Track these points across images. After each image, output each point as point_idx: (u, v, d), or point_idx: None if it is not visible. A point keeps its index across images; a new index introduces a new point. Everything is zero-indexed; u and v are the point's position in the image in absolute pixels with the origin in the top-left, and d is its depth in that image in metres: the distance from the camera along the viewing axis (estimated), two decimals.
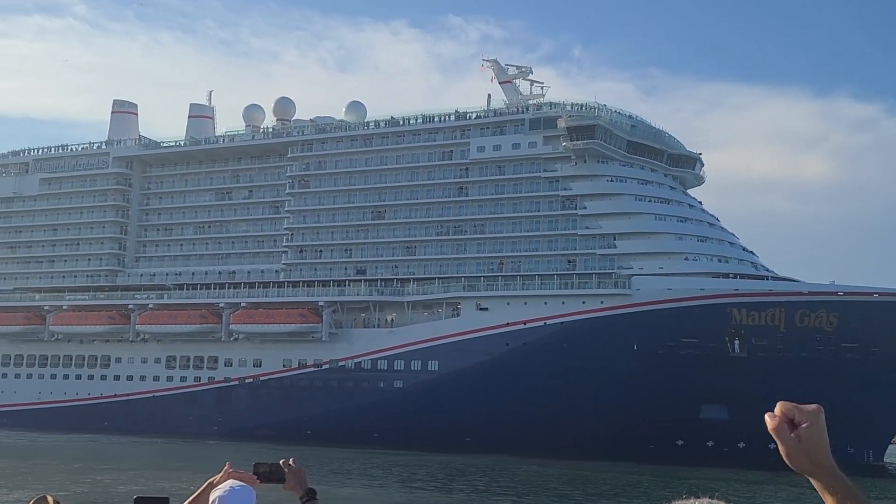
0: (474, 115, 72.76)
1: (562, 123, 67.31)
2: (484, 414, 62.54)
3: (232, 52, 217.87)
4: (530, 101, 72.55)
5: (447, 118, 73.59)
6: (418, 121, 74.65)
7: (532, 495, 41.85)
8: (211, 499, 3.92)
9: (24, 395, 79.50)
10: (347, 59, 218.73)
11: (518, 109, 70.82)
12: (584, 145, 66.22)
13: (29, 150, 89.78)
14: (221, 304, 74.52)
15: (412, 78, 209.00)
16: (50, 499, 4.54)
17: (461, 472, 50.01)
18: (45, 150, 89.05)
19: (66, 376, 79.13)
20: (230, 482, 3.99)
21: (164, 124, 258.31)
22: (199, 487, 4.09)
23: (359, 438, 63.65)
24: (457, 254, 71.12)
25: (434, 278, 70.11)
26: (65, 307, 79.88)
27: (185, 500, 4.08)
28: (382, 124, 76.27)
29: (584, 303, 63.77)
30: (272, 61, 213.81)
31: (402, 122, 75.28)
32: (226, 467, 4.11)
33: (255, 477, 4.05)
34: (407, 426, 63.87)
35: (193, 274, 79.91)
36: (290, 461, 4.13)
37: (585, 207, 67.04)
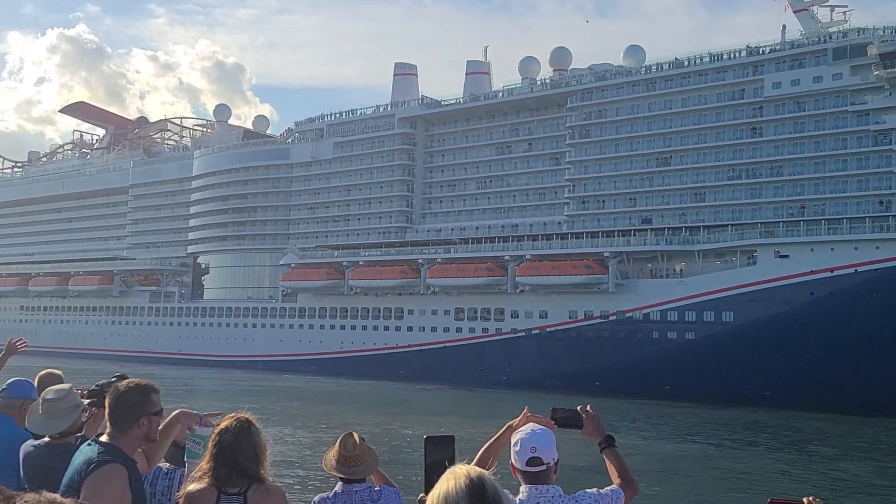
0: (768, 49, 67.51)
1: (873, 50, 60.56)
2: (785, 368, 58.48)
3: (489, 6, 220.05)
4: (830, 29, 66.11)
5: (737, 55, 68.91)
6: (704, 60, 70.56)
7: (852, 458, 38.21)
8: (512, 441, 3.88)
9: (329, 345, 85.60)
10: (605, 4, 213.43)
11: (819, 39, 64.71)
12: None
13: (322, 116, 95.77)
14: (506, 257, 75.46)
15: (676, 18, 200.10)
16: (356, 436, 4.80)
17: (762, 428, 47.13)
18: (337, 115, 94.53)
19: (364, 327, 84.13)
20: (531, 425, 3.93)
21: (438, 84, 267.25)
22: (498, 430, 4.11)
23: (649, 391, 61.96)
24: (751, 199, 66.78)
25: (726, 225, 66.35)
26: (361, 262, 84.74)
27: (485, 443, 4.10)
28: (665, 67, 72.93)
29: None
30: (530, 13, 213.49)
31: (686, 63, 71.55)
32: (524, 411, 4.08)
33: (553, 422, 4.04)
34: (700, 379, 61.19)
35: (477, 228, 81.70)
36: (588, 407, 4.18)
37: None
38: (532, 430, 3.87)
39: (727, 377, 60.07)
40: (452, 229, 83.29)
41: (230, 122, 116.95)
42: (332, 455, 4.83)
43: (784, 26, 68.80)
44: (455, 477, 2.38)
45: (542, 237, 75.77)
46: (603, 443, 4.12)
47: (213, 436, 4.04)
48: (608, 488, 4.02)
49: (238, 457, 3.95)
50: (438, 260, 79.38)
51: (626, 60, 79.13)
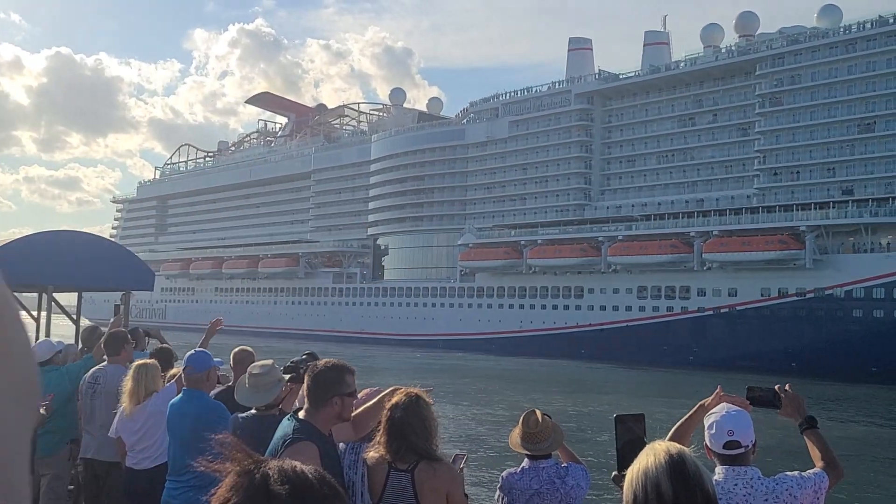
0: None
1: None
2: None
3: None
4: None
5: None
6: None
7: None
8: (706, 423, 3.76)
9: (508, 324, 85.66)
10: None
11: None
12: None
13: (497, 95, 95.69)
14: (691, 233, 72.70)
15: None
16: (538, 413, 4.86)
17: None
18: (512, 94, 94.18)
19: (543, 306, 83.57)
20: (724, 405, 3.80)
21: (613, 58, 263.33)
22: (691, 409, 3.97)
23: (852, 372, 58.03)
24: None
25: None
26: (539, 241, 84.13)
27: (676, 423, 3.97)
28: (868, 26, 67.78)
29: None
30: None
31: (891, 21, 66.13)
32: (717, 390, 3.93)
33: (748, 401, 3.90)
34: None
35: (659, 204, 79.24)
36: (787, 387, 4.02)
37: None
38: (727, 411, 3.77)
39: None
40: (633, 206, 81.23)
41: (405, 105, 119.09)
42: (516, 433, 4.90)
43: None
44: (655, 453, 2.34)
45: (729, 212, 72.47)
46: (804, 424, 3.95)
47: (385, 412, 4.11)
48: (811, 471, 3.84)
49: (408, 432, 4.02)
50: (620, 237, 77.58)
51: (821, 21, 74.19)
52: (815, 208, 66.75)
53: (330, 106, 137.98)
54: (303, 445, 3.92)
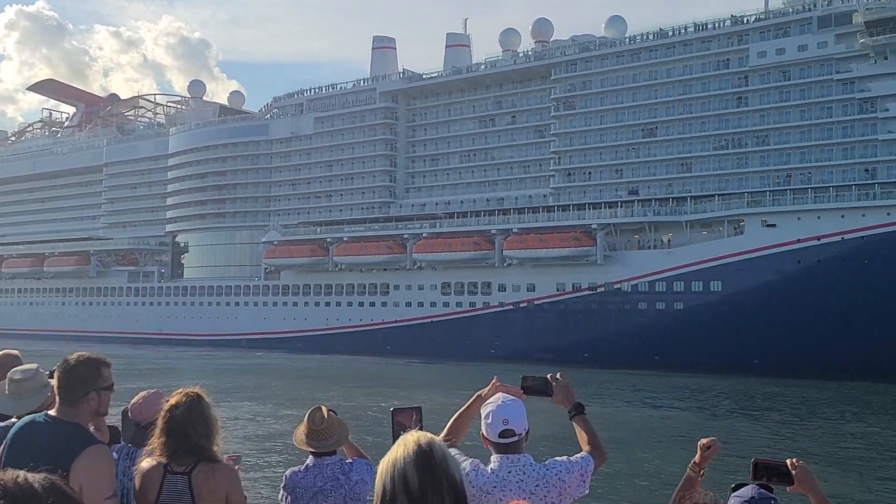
0: (752, 18, 67.59)
1: (858, 18, 60.82)
2: (774, 336, 59.14)
3: None
4: None
5: (721, 24, 68.93)
6: (689, 30, 70.51)
7: (847, 421, 38.74)
8: (483, 412, 3.90)
9: (314, 322, 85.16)
10: None
11: (804, 7, 64.86)
12: (885, 40, 59.55)
13: (302, 91, 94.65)
14: (493, 231, 75.31)
15: None
16: (324, 409, 4.79)
17: (750, 396, 47.64)
18: (317, 90, 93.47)
19: (349, 303, 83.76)
20: (500, 395, 3.93)
21: (417, 58, 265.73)
22: (468, 401, 4.08)
23: (638, 361, 62.41)
24: (737, 168, 67.15)
25: (713, 195, 66.71)
26: (345, 239, 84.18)
27: (454, 414, 4.11)
28: (650, 37, 72.83)
29: (888, 214, 58.11)
30: None
31: (671, 33, 71.45)
32: (493, 381, 4.07)
33: (522, 391, 4.04)
34: (690, 348, 61.73)
35: (462, 202, 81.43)
36: (558, 375, 4.19)
37: (888, 110, 60.61)
38: (503, 400, 3.89)
39: (716, 346, 60.59)
40: (437, 203, 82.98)
41: (204, 98, 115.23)
42: (301, 430, 4.82)
43: None
44: (405, 444, 2.38)
45: (528, 210, 75.67)
46: (572, 410, 4.14)
47: (163, 412, 3.99)
48: (578, 455, 4.05)
49: (189, 432, 3.92)
50: (425, 234, 79.07)
51: (608, 31, 78.93)
52: (605, 207, 70.98)
53: (123, 96, 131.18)
54: (97, 450, 3.75)
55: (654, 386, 52.47)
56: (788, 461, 3.51)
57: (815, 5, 64.72)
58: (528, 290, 73.33)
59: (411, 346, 75.63)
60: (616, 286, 68.70)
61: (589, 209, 71.61)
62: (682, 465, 4.07)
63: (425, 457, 2.36)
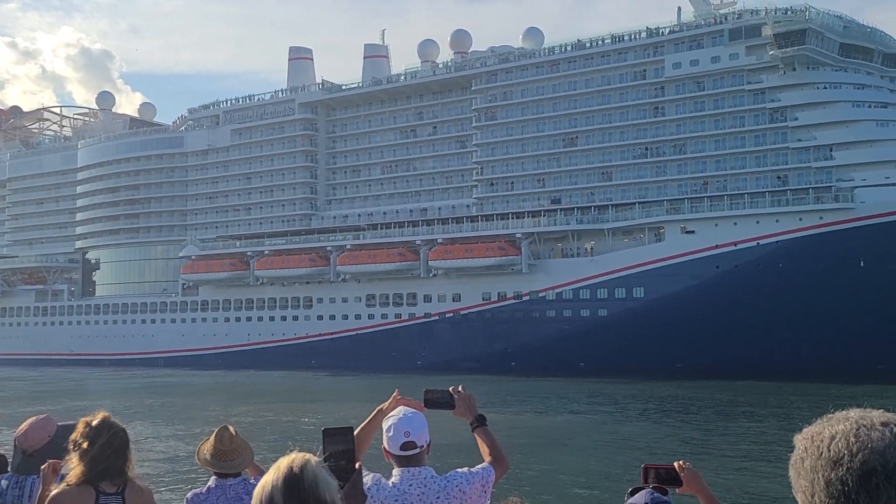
0: (667, 31, 69.41)
1: (767, 31, 63.13)
2: (695, 340, 60.66)
3: None
4: (721, 11, 68.57)
5: (638, 36, 70.55)
6: (606, 42, 71.93)
7: (765, 419, 39.92)
8: (385, 426, 3.91)
9: (235, 338, 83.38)
10: None
11: (716, 20, 66.96)
12: (794, 52, 61.96)
13: (218, 102, 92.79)
14: (417, 242, 75.16)
15: (543, 2, 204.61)
16: (231, 429, 4.72)
17: (668, 399, 48.68)
18: (234, 101, 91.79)
19: (272, 318, 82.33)
20: (401, 409, 3.95)
21: (334, 70, 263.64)
22: (369, 415, 4.06)
23: (564, 368, 63.13)
24: (656, 177, 68.75)
25: (633, 203, 68.11)
26: (266, 252, 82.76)
27: (355, 428, 3.97)
28: (568, 48, 74.00)
29: (800, 220, 60.39)
30: None
31: (589, 45, 72.75)
32: (394, 394, 4.06)
33: (424, 404, 4.05)
34: (614, 354, 62.80)
35: (385, 213, 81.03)
36: (460, 388, 4.17)
37: (797, 119, 63.06)
38: (404, 413, 3.91)
39: (640, 351, 61.78)
40: (360, 215, 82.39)
41: (113, 110, 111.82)
42: (206, 449, 4.72)
43: (679, 8, 71.00)
44: (277, 468, 2.36)
45: (452, 220, 75.82)
46: (474, 422, 4.14)
47: (78, 437, 3.92)
48: (479, 466, 4.08)
49: (112, 455, 3.91)
50: (348, 246, 78.40)
51: (526, 42, 79.88)
52: (528, 216, 71.69)
53: (25, 109, 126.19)
54: None
55: (577, 392, 53.00)
56: (676, 463, 3.55)
57: (725, 18, 66.88)
58: (453, 301, 73.42)
59: (336, 359, 74.82)
60: (541, 294, 69.40)
61: (512, 218, 72.21)
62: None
63: (294, 480, 2.30)
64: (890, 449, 1.58)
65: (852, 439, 1.62)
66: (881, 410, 1.73)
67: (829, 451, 1.63)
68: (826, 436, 1.65)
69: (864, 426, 1.63)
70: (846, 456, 1.60)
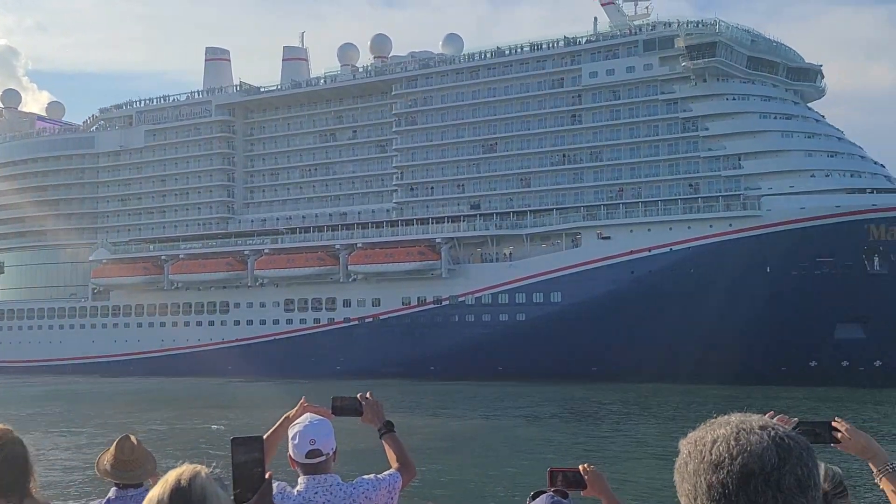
0: (584, 40, 70.81)
1: (680, 42, 65.03)
2: (611, 343, 61.95)
3: None
4: (635, 22, 70.33)
5: (556, 45, 71.78)
6: (525, 49, 72.94)
7: (678, 419, 41.17)
8: (290, 433, 3.91)
9: (148, 344, 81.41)
10: None
11: (630, 31, 68.64)
12: (704, 64, 64.00)
13: (131, 102, 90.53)
14: (337, 246, 74.78)
15: (460, 9, 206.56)
16: (133, 438, 4.63)
17: (584, 401, 49.79)
18: (148, 101, 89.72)
19: (186, 323, 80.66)
20: (308, 416, 3.95)
21: (252, 72, 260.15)
22: (275, 423, 4.04)
23: (483, 372, 63.70)
24: (573, 183, 69.97)
25: (551, 209, 69.22)
26: (181, 256, 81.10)
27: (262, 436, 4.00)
28: (488, 55, 74.74)
29: (711, 227, 62.35)
30: (319, 1, 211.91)
31: (508, 52, 73.65)
32: (301, 402, 4.07)
33: (332, 411, 4.04)
34: (532, 358, 63.66)
35: (304, 217, 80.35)
36: (368, 394, 4.17)
37: (707, 129, 65.11)
38: (310, 420, 3.91)
39: (557, 355, 62.74)
40: (278, 219, 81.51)
41: (20, 108, 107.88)
42: (106, 459, 4.55)
43: (595, 18, 72.52)
44: (165, 482, 2.35)
45: (372, 225, 75.73)
46: (382, 429, 4.15)
47: None
48: (386, 473, 4.13)
49: (16, 471, 3.71)
50: (266, 250, 77.48)
51: (446, 48, 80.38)
52: (448, 221, 72.12)
53: None
54: None
55: (494, 396, 53.63)
56: (581, 466, 3.58)
57: (640, 29, 68.60)
58: (373, 305, 73.30)
59: (254, 365, 73.61)
60: (460, 299, 69.88)
61: (432, 223, 72.55)
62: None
63: (181, 493, 2.29)
64: (768, 452, 1.62)
65: (732, 443, 1.66)
66: (759, 415, 1.80)
67: (711, 454, 1.67)
68: (708, 440, 1.70)
69: (744, 430, 1.67)
70: (726, 459, 1.64)
